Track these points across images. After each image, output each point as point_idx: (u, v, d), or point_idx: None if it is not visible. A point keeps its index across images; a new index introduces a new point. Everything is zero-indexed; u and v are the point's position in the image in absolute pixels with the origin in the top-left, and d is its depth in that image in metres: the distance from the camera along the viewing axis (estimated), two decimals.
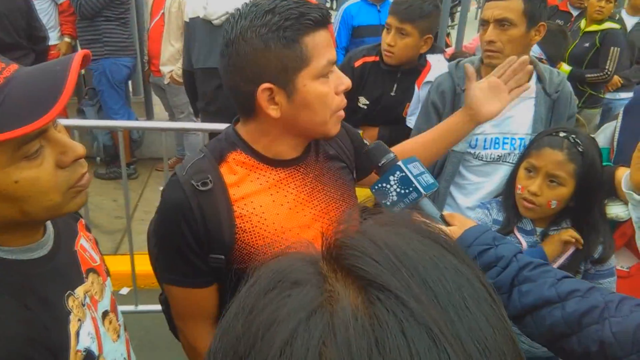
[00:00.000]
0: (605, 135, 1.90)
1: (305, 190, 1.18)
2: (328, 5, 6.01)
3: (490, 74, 1.43)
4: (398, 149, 1.44)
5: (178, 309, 1.23)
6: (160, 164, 4.27)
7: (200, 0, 2.94)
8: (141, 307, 2.78)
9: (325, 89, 1.07)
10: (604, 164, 1.76)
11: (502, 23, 1.72)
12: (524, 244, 1.61)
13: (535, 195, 1.54)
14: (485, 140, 1.89)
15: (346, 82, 1.11)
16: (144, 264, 2.86)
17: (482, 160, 1.91)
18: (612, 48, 3.89)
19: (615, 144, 1.82)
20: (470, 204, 1.94)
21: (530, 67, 1.42)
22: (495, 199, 1.79)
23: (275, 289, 0.40)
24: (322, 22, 1.04)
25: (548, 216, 1.61)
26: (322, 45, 1.04)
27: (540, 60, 2.34)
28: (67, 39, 4.32)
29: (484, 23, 1.78)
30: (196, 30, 3.02)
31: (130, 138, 4.44)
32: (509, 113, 1.85)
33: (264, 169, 1.14)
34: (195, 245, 1.10)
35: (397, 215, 0.47)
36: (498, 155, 1.90)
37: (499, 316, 0.38)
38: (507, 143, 1.89)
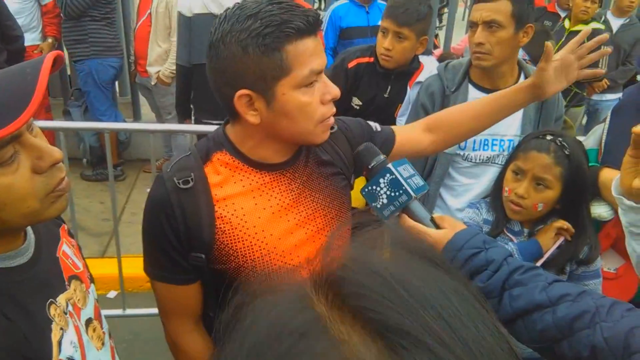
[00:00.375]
0: (595, 137, 1.91)
1: (291, 195, 1.17)
2: (316, 5, 5.99)
3: (564, 49, 1.39)
4: (444, 114, 1.46)
5: (162, 305, 1.24)
6: (148, 166, 4.23)
7: None
8: (129, 311, 2.74)
9: (306, 98, 1.04)
10: (592, 164, 1.78)
11: (490, 25, 1.73)
12: (514, 241, 1.63)
13: (522, 198, 1.55)
14: (474, 142, 1.90)
15: (333, 92, 1.08)
16: (131, 267, 2.83)
17: (471, 161, 1.92)
18: (602, 47, 3.92)
19: (602, 144, 1.83)
20: (460, 206, 1.94)
21: (607, 49, 1.42)
22: (485, 199, 1.80)
23: (280, 343, 0.35)
24: (308, 30, 1.00)
25: (534, 218, 1.62)
26: (305, 55, 1.01)
27: (525, 61, 2.35)
28: (50, 40, 4.25)
29: (472, 25, 1.78)
30: (202, 25, 2.98)
31: (117, 139, 4.40)
32: None
33: (248, 171, 1.14)
34: (175, 242, 1.11)
35: (383, 230, 0.43)
36: (487, 157, 1.91)
37: (498, 332, 0.36)
38: (496, 144, 1.90)
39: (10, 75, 0.75)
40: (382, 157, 1.13)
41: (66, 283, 0.95)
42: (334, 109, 1.12)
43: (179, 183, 1.09)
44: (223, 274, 1.13)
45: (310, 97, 1.05)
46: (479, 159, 1.91)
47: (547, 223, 1.62)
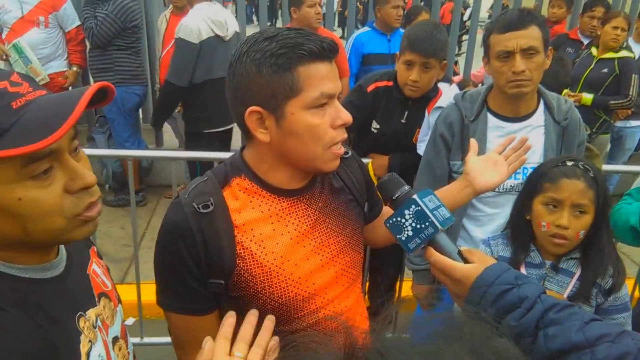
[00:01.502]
0: None
1: (308, 221, 1.17)
2: (338, 34, 6.08)
3: (493, 150, 1.48)
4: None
5: (177, 337, 1.21)
6: (169, 192, 4.26)
7: (211, 21, 3.33)
8: (147, 340, 2.72)
9: (315, 120, 1.06)
10: None
11: (529, 52, 1.72)
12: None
13: (565, 228, 1.50)
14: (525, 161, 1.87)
15: (344, 117, 1.09)
16: (150, 294, 2.81)
17: (495, 191, 1.87)
18: (633, 75, 3.92)
19: None
20: (485, 236, 1.90)
21: (529, 144, 1.49)
22: (502, 233, 1.74)
23: None
24: (321, 54, 1.03)
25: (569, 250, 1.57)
26: (316, 77, 1.03)
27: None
28: (74, 68, 4.37)
29: (506, 54, 1.75)
30: (209, 47, 3.36)
31: (139, 166, 4.45)
32: None
33: (266, 197, 1.14)
34: (194, 268, 1.09)
35: (442, 321, 0.43)
36: (511, 186, 1.87)
37: None
38: (519, 173, 1.86)
39: (60, 97, 0.80)
40: (406, 187, 1.10)
41: (96, 299, 0.97)
42: (345, 135, 1.12)
43: (198, 208, 1.09)
44: (240, 301, 1.12)
45: (320, 119, 1.06)
46: (503, 188, 1.87)
47: (569, 255, 1.58)
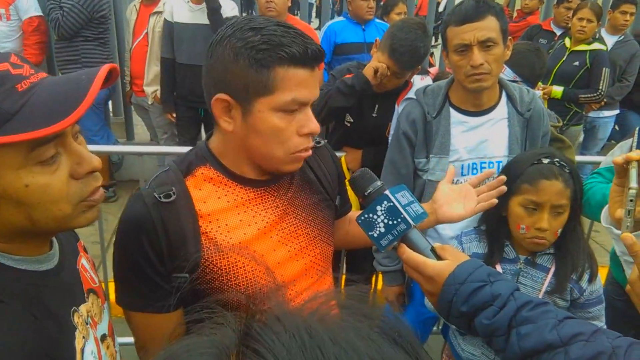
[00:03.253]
0: (623, 151, 1.84)
1: (276, 212, 1.14)
2: (315, 25, 6.00)
3: (467, 181, 1.40)
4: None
5: (139, 338, 1.15)
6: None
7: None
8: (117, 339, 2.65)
9: (281, 124, 1.03)
10: None
11: (486, 44, 1.67)
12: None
13: (545, 231, 1.49)
14: (462, 167, 1.84)
15: (312, 127, 1.06)
16: None
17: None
18: (603, 69, 3.94)
19: None
20: (453, 233, 1.87)
21: (503, 187, 1.37)
22: (474, 229, 1.72)
23: None
24: (303, 60, 1.00)
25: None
26: (293, 82, 1.00)
27: (515, 82, 2.27)
28: None
29: (463, 48, 1.68)
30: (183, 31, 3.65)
31: (109, 160, 4.33)
32: (484, 136, 1.82)
33: (232, 186, 1.12)
34: (157, 262, 1.05)
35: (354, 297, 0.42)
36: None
37: None
38: (485, 167, 1.84)
39: (66, 80, 0.79)
40: (379, 183, 1.06)
41: (85, 295, 0.95)
42: (310, 143, 1.10)
43: (159, 197, 1.05)
44: (204, 294, 1.07)
45: (286, 124, 1.04)
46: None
47: (544, 252, 1.57)
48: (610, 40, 4.43)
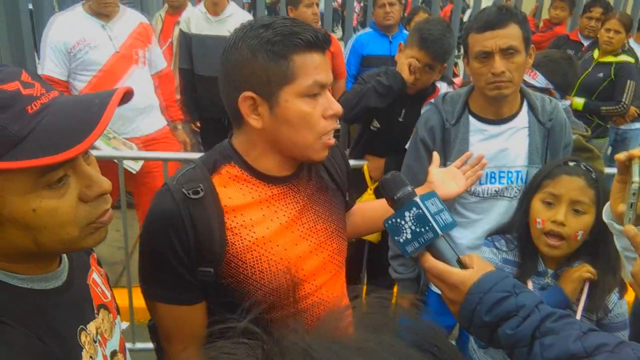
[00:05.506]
0: None
1: (297, 208, 1.18)
2: (338, 35, 6.05)
3: (452, 164, 1.58)
4: (367, 208, 1.51)
5: (164, 329, 1.18)
6: None
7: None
8: (139, 345, 2.68)
9: (307, 108, 1.08)
10: None
11: (508, 52, 1.65)
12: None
13: (561, 225, 1.43)
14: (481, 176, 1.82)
15: (335, 108, 1.11)
16: (142, 298, 2.79)
17: (479, 196, 1.83)
18: (628, 81, 3.85)
19: None
20: (471, 243, 1.85)
21: (484, 161, 1.57)
22: (503, 235, 1.68)
23: None
24: (315, 44, 1.05)
25: (566, 254, 1.51)
26: (311, 66, 1.06)
27: (548, 90, 2.27)
28: (179, 127, 3.38)
29: (485, 55, 1.67)
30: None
31: None
32: (503, 146, 1.79)
33: (256, 183, 1.15)
34: (183, 255, 1.08)
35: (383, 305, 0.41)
36: (495, 190, 1.82)
37: None
38: (503, 177, 1.82)
39: (78, 103, 0.76)
40: (409, 188, 1.06)
41: (95, 311, 0.93)
42: (336, 125, 1.14)
43: (188, 193, 1.07)
44: (229, 288, 1.11)
45: (312, 108, 1.08)
46: (487, 193, 1.82)
47: (571, 265, 1.51)
48: (639, 51, 4.36)
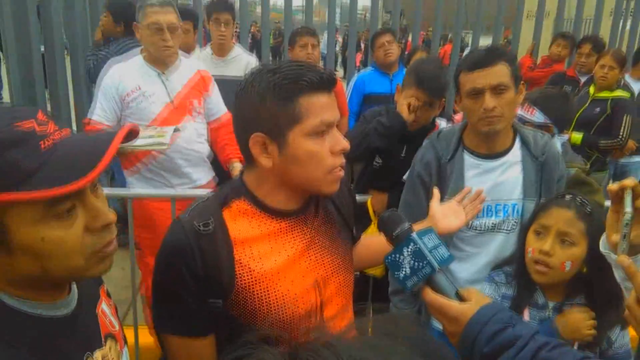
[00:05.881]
0: None
1: (304, 241, 1.21)
2: (340, 74, 6.20)
3: (452, 199, 1.62)
4: (373, 242, 1.52)
5: None
6: None
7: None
8: None
9: (316, 147, 1.12)
10: None
11: (498, 89, 1.72)
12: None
13: (547, 254, 1.49)
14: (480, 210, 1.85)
15: (342, 144, 1.15)
16: (148, 337, 2.78)
17: (476, 230, 1.86)
18: (625, 115, 3.91)
19: None
20: (469, 276, 1.87)
21: (483, 196, 1.62)
22: (502, 269, 1.72)
23: None
24: (321, 85, 1.10)
25: (561, 285, 1.54)
26: (317, 106, 1.10)
27: (547, 126, 2.35)
28: (236, 165, 2.88)
29: (477, 92, 1.75)
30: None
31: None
32: (498, 180, 1.84)
33: (264, 217, 1.18)
34: (194, 287, 1.11)
35: (398, 320, 0.44)
36: (493, 224, 1.85)
37: None
38: (500, 210, 1.86)
39: (87, 140, 0.82)
40: (407, 224, 1.10)
41: (103, 340, 0.95)
42: (343, 160, 1.18)
43: (199, 227, 1.11)
44: (237, 320, 1.13)
45: (320, 146, 1.12)
46: (485, 227, 1.86)
47: (573, 300, 1.53)
48: (636, 86, 4.44)
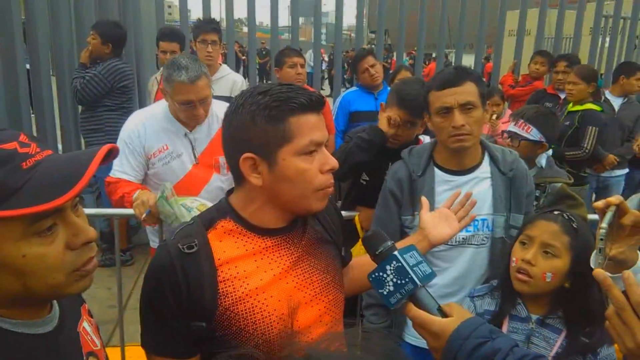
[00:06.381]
0: (633, 204, 1.91)
1: (291, 259, 1.21)
2: (326, 93, 6.28)
3: (442, 206, 1.59)
4: (365, 260, 1.46)
5: None
6: None
7: None
8: None
9: (305, 165, 1.14)
10: None
11: (466, 107, 1.78)
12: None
13: (529, 264, 1.52)
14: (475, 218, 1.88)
15: (331, 163, 1.18)
16: (135, 357, 2.75)
17: (447, 244, 1.87)
18: (589, 127, 4.00)
19: None
20: (439, 291, 1.88)
21: (474, 199, 1.58)
22: (486, 286, 1.75)
23: None
24: (310, 106, 1.13)
25: (544, 298, 1.57)
26: (306, 127, 1.13)
27: (541, 143, 2.47)
28: None
29: (446, 110, 1.80)
30: None
31: (127, 224, 4.43)
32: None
33: (250, 236, 1.19)
34: (177, 309, 1.12)
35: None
36: (463, 238, 1.88)
37: None
38: (470, 225, 1.85)
39: (68, 159, 0.83)
40: (389, 242, 1.13)
41: (84, 358, 0.96)
42: (332, 179, 1.20)
43: (183, 248, 1.13)
44: (222, 341, 1.13)
45: (309, 165, 1.15)
46: (455, 241, 1.88)
47: (556, 312, 1.56)
48: (616, 101, 4.56)
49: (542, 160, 2.50)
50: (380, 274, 1.07)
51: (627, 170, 4.60)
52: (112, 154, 0.87)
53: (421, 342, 1.96)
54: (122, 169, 2.45)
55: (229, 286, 1.14)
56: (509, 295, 1.62)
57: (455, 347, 0.97)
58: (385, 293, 1.07)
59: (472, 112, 1.78)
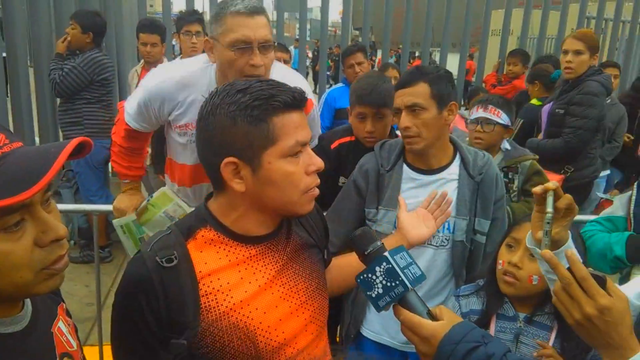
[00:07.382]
0: (622, 203, 1.99)
1: (276, 267, 1.16)
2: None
3: (420, 207, 1.64)
4: (343, 261, 1.45)
5: None
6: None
7: None
8: None
9: (291, 168, 1.08)
10: (620, 232, 1.93)
11: (413, 109, 1.77)
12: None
13: (516, 267, 1.52)
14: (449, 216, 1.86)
15: (317, 163, 1.13)
16: None
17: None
18: (516, 119, 4.12)
19: (632, 215, 1.94)
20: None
21: (450, 198, 1.67)
22: (472, 285, 1.74)
23: None
24: (293, 104, 1.07)
25: (531, 298, 1.56)
26: (291, 126, 1.07)
27: (508, 127, 2.57)
28: None
29: (397, 111, 1.82)
30: None
31: (107, 220, 4.34)
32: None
33: (233, 245, 1.13)
34: (155, 326, 1.05)
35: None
36: (428, 243, 1.86)
37: None
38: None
39: (36, 152, 0.79)
40: (379, 243, 1.09)
41: (58, 359, 0.92)
42: (318, 180, 1.15)
43: (162, 262, 1.05)
44: (205, 359, 1.07)
45: (295, 167, 1.09)
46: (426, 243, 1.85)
47: (543, 310, 1.56)
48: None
49: (506, 144, 2.61)
50: (369, 275, 1.04)
51: (608, 171, 4.64)
52: (85, 148, 0.83)
53: (381, 339, 1.96)
54: (135, 118, 2.15)
55: (212, 300, 1.07)
56: (495, 295, 1.61)
57: (446, 351, 0.95)
58: (373, 295, 1.03)
59: (420, 114, 1.76)
